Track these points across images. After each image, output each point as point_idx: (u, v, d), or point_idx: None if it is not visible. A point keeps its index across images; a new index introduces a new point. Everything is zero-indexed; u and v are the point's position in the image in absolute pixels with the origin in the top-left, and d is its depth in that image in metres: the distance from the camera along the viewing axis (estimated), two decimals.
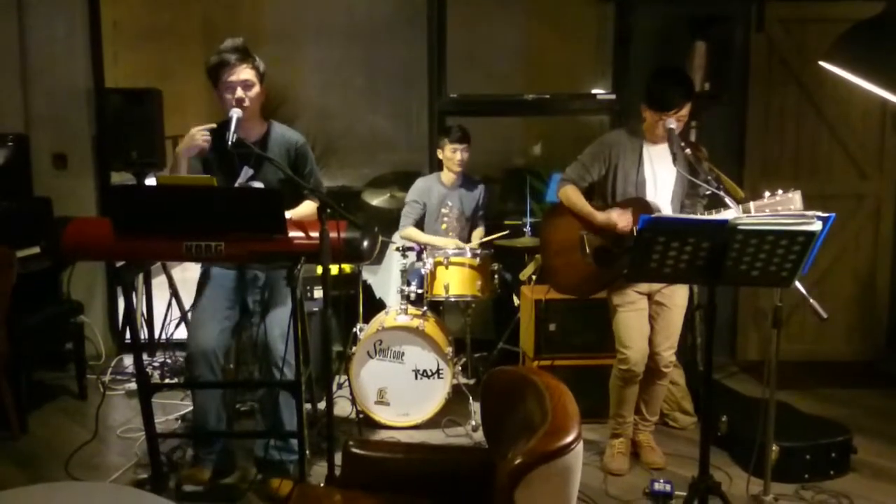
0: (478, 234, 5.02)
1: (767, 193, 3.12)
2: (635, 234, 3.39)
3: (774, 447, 3.50)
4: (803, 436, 3.78)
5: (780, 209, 3.07)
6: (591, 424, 4.12)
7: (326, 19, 7.43)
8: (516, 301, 4.87)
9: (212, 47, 3.42)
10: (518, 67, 6.97)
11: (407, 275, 4.58)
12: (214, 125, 3.36)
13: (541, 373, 2.37)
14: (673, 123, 3.51)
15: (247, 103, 3.30)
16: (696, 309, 4.62)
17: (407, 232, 4.89)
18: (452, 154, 4.82)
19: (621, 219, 3.58)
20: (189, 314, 4.36)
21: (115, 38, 6.12)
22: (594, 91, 5.71)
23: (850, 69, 3.23)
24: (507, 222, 5.26)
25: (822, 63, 3.35)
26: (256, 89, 3.35)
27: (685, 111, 3.56)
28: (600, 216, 3.65)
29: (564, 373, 4.06)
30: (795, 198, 3.07)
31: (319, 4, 7.35)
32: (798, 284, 2.89)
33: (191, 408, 4.15)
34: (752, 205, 3.15)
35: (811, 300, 3.03)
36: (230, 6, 7.41)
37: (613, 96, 5.38)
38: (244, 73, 3.31)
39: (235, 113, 3.24)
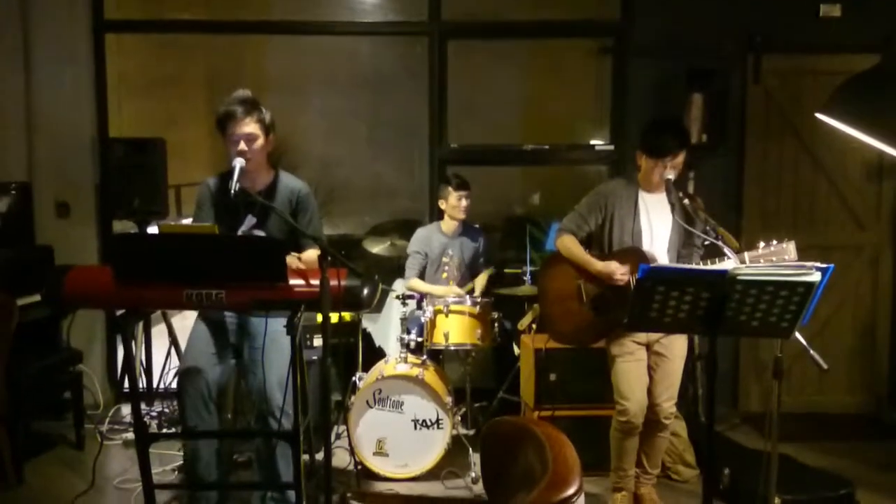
0: (481, 280, 5.01)
1: (762, 244, 3.14)
2: (633, 284, 3.40)
3: (777, 500, 3.46)
4: (806, 489, 3.75)
5: (775, 259, 3.08)
6: (593, 477, 4.08)
7: (329, 70, 7.52)
8: (516, 350, 4.85)
9: (216, 97, 3.49)
10: (518, 118, 7.04)
11: (407, 323, 4.58)
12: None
13: (541, 423, 2.36)
14: (671, 173, 3.55)
15: (249, 156, 3.35)
16: (697, 359, 4.61)
17: (412, 284, 4.90)
18: (457, 202, 4.86)
19: (619, 270, 3.59)
20: None
21: (120, 88, 6.19)
22: (593, 142, 5.77)
23: (846, 121, 3.27)
24: (507, 270, 5.27)
25: (818, 115, 3.40)
26: (260, 142, 3.40)
27: (680, 159, 3.60)
28: (599, 264, 3.66)
29: (565, 423, 4.04)
30: (790, 248, 3.09)
31: (322, 55, 7.46)
32: (798, 335, 2.89)
33: None
34: (746, 255, 3.16)
35: (811, 351, 3.03)
36: (235, 56, 7.52)
37: (612, 147, 5.46)
38: (248, 126, 3.36)
39: (238, 162, 3.29)
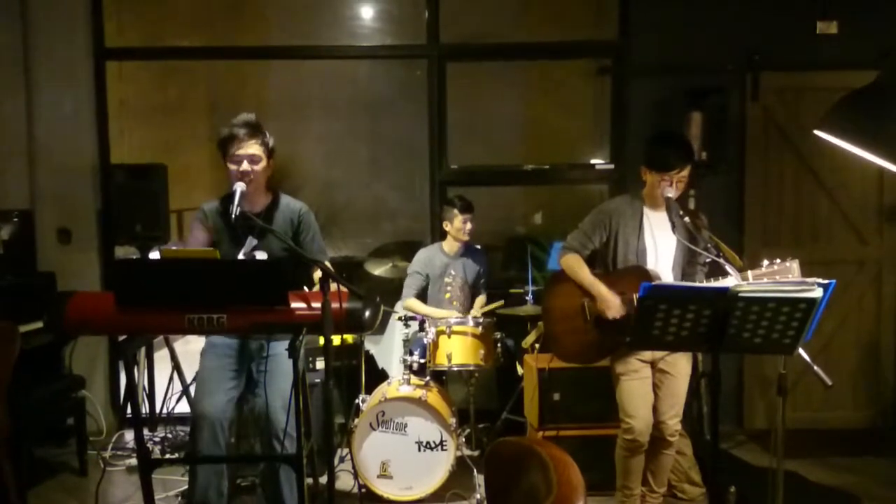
0: (479, 303, 5.03)
1: (766, 262, 3.14)
2: (635, 302, 3.40)
3: None
4: None
5: (779, 278, 3.08)
6: (598, 497, 4.04)
7: (330, 94, 7.58)
8: (520, 370, 4.84)
9: (218, 122, 3.50)
10: (518, 139, 7.09)
11: (409, 344, 4.57)
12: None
13: (545, 443, 2.34)
14: (671, 192, 3.55)
15: (251, 177, 3.37)
16: (701, 377, 4.59)
17: (409, 303, 4.90)
18: (462, 224, 4.89)
19: (615, 307, 3.59)
20: (192, 386, 4.32)
21: (122, 114, 6.23)
22: (593, 161, 5.79)
23: (844, 137, 3.27)
24: (510, 290, 5.27)
25: (816, 132, 3.41)
26: (262, 164, 3.43)
27: (685, 173, 3.60)
28: (604, 291, 3.65)
29: (570, 443, 4.02)
30: (793, 267, 3.08)
31: (323, 79, 7.52)
32: (802, 352, 2.89)
33: None
34: (750, 273, 3.15)
35: (815, 367, 3.02)
36: (235, 82, 7.57)
37: (612, 166, 5.48)
38: (251, 147, 3.39)
39: (239, 186, 3.31)
